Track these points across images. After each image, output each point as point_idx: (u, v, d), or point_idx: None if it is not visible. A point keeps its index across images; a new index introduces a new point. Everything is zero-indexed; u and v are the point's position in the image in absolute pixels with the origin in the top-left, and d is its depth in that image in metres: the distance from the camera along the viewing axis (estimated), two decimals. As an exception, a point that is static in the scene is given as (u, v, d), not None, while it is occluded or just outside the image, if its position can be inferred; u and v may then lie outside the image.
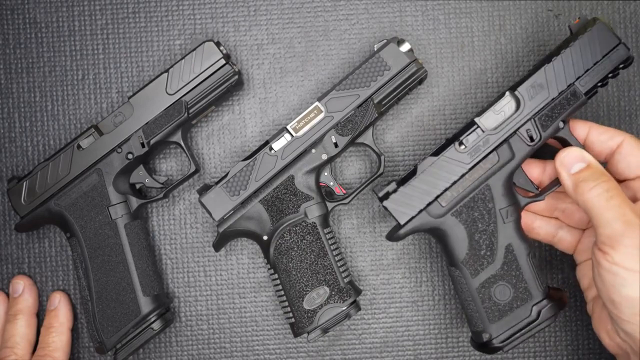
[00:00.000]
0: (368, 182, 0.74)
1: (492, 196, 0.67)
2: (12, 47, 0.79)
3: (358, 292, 0.72)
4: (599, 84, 0.67)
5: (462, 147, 0.68)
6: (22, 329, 0.75)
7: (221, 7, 0.79)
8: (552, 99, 0.67)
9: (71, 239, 0.74)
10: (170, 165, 0.79)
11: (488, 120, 0.68)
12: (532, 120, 0.67)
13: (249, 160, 0.71)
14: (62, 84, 0.79)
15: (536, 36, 0.77)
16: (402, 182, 0.68)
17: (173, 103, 0.73)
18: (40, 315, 0.78)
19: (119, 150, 0.73)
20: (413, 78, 0.71)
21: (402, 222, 0.68)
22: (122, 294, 0.72)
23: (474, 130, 0.68)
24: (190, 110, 0.73)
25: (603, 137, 0.67)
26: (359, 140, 0.73)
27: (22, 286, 0.77)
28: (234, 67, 0.74)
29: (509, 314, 0.67)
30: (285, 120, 0.78)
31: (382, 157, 0.73)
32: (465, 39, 0.78)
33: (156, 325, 0.73)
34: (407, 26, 0.78)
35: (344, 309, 0.70)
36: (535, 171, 0.71)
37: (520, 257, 0.67)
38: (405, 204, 0.68)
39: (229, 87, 0.73)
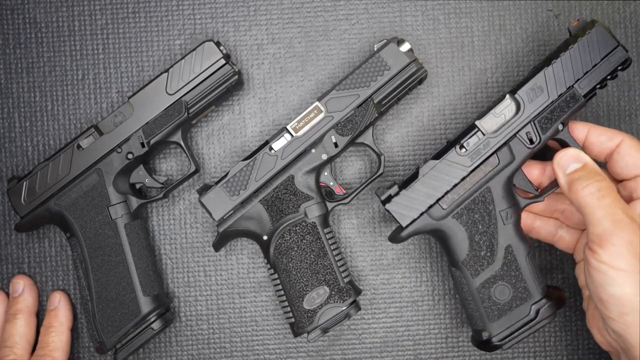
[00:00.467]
0: (368, 182, 0.74)
1: (493, 198, 0.68)
2: (12, 47, 0.79)
3: (358, 292, 0.72)
4: (598, 86, 0.67)
5: (463, 150, 0.68)
6: (21, 329, 0.75)
7: (221, 7, 0.78)
8: (552, 102, 0.67)
9: (71, 239, 0.74)
10: (170, 165, 0.79)
11: (488, 123, 0.68)
12: (532, 122, 0.67)
13: (249, 160, 0.71)
14: (62, 84, 0.79)
15: (536, 36, 0.77)
16: (404, 184, 0.69)
17: (173, 103, 0.73)
18: (40, 315, 0.78)
19: (119, 150, 0.73)
20: (413, 78, 0.71)
21: (404, 225, 0.68)
22: (122, 294, 0.72)
23: (474, 133, 0.68)
24: (190, 110, 0.73)
25: (602, 137, 0.67)
26: (359, 140, 0.73)
27: (22, 286, 0.77)
28: (234, 67, 0.73)
29: (508, 313, 0.68)
30: (285, 120, 0.78)
31: (382, 157, 0.73)
32: (465, 39, 0.78)
33: (156, 325, 0.73)
34: (407, 26, 0.78)
35: (343, 308, 0.70)
36: (535, 172, 0.71)
37: (519, 258, 0.68)
38: (407, 207, 0.68)
39: (229, 87, 0.73)
